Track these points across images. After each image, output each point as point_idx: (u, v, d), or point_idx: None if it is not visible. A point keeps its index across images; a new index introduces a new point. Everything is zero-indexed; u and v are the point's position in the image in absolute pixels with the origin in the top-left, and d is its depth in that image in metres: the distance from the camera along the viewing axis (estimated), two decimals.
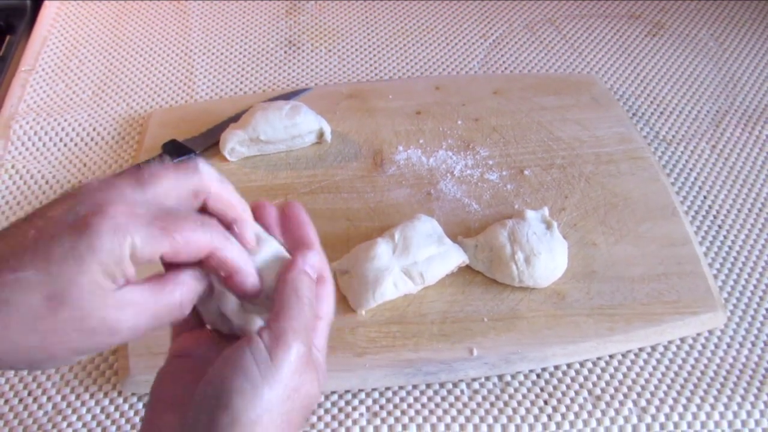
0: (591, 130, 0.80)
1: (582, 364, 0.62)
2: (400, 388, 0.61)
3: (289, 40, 0.98)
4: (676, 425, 0.58)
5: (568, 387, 0.60)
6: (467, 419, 0.59)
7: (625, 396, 0.60)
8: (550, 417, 0.59)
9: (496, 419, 0.58)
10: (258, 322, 0.42)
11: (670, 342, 0.63)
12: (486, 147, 0.79)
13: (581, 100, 0.84)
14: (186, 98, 0.90)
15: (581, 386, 0.61)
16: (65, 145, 0.84)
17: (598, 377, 0.61)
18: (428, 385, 0.61)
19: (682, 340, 0.64)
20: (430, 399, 0.60)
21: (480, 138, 0.80)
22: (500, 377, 0.61)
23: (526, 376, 0.61)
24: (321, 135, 0.79)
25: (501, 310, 0.63)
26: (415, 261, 0.63)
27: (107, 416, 0.60)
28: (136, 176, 0.38)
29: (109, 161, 0.82)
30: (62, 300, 0.34)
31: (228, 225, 0.40)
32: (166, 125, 0.83)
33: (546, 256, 0.64)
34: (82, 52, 0.97)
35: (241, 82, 0.92)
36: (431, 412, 0.59)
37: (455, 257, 0.65)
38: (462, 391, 0.60)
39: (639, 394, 0.60)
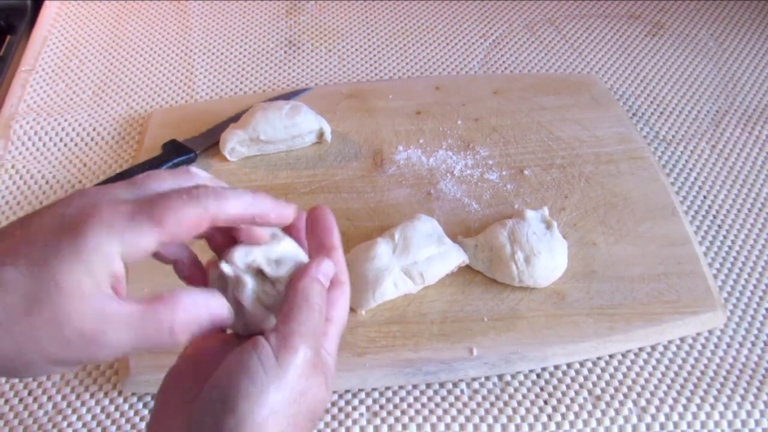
0: (591, 130, 0.80)
1: (582, 364, 0.62)
2: (400, 387, 0.61)
3: (289, 40, 0.98)
4: (676, 425, 0.58)
5: (568, 387, 0.60)
6: (467, 419, 0.59)
7: (625, 396, 0.60)
8: (550, 417, 0.59)
9: (496, 419, 0.58)
10: (272, 321, 0.42)
11: (670, 342, 0.63)
12: (486, 147, 0.79)
13: (581, 100, 0.84)
14: (186, 98, 0.90)
15: (581, 386, 0.61)
16: (65, 145, 0.84)
17: (598, 377, 0.61)
18: (428, 385, 0.61)
19: (682, 339, 0.64)
20: (430, 399, 0.60)
21: (480, 138, 0.80)
22: (500, 377, 0.61)
23: (526, 376, 0.61)
24: (321, 135, 0.79)
25: (501, 309, 0.63)
26: (415, 261, 0.63)
27: (107, 416, 0.60)
28: (130, 179, 0.38)
29: (109, 161, 0.82)
30: (39, 300, 0.33)
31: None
32: (166, 125, 0.83)
33: (546, 256, 0.64)
34: (82, 52, 0.97)
35: (241, 82, 0.92)
36: (431, 411, 0.59)
37: (455, 257, 0.65)
38: (462, 391, 0.60)
39: (639, 394, 0.60)
